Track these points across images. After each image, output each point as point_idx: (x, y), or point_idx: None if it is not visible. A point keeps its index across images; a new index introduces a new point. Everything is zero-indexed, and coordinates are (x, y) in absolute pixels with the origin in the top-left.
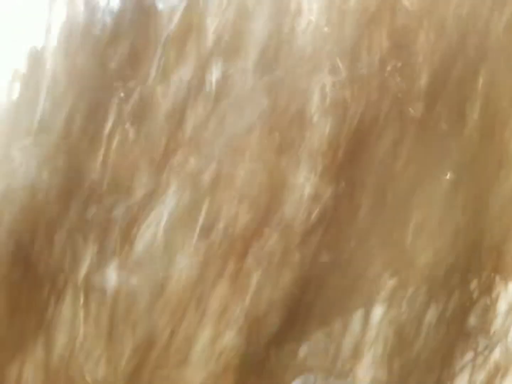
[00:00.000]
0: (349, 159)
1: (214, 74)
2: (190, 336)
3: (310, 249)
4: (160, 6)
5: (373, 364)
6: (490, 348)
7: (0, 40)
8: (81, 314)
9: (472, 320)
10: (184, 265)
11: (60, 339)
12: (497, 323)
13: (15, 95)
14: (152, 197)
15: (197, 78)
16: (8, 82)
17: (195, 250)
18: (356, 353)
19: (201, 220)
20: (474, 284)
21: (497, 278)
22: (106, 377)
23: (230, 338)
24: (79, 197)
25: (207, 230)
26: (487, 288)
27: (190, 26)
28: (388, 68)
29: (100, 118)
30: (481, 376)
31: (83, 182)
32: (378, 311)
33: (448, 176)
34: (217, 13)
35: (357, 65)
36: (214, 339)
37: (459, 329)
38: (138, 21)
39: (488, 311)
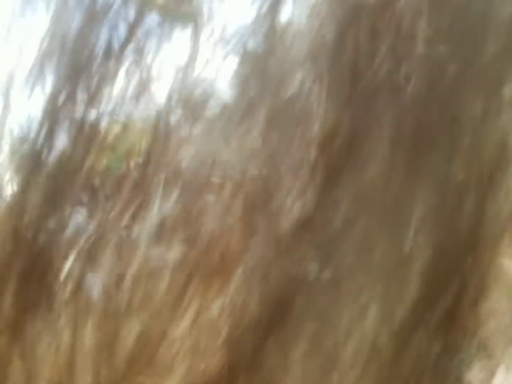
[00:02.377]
0: (344, 161)
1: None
2: (174, 346)
3: (296, 261)
4: None
5: (365, 371)
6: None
7: None
8: (66, 323)
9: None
10: (168, 274)
11: (43, 350)
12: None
13: None
14: (139, 204)
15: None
16: None
17: (180, 259)
18: (350, 363)
19: (185, 229)
20: (470, 287)
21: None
22: None
23: (215, 346)
24: (63, 205)
25: (192, 240)
26: (482, 291)
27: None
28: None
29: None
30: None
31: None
32: (367, 324)
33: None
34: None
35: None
36: (198, 347)
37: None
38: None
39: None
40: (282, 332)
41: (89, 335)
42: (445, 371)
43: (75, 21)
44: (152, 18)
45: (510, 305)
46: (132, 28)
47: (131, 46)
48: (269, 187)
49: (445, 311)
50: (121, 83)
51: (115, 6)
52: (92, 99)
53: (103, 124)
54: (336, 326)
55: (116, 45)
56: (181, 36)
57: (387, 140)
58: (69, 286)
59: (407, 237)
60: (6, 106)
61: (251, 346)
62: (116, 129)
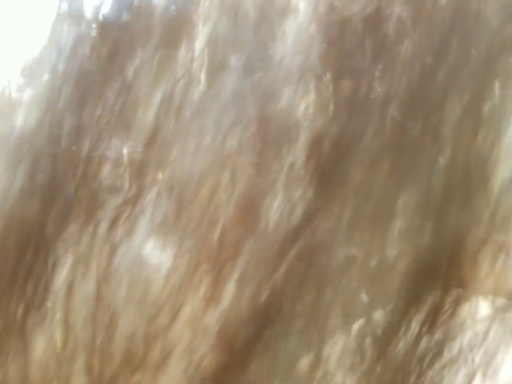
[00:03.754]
0: (328, 175)
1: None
2: (166, 345)
3: (287, 260)
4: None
5: (351, 373)
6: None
7: None
8: (60, 320)
9: (447, 328)
10: (163, 271)
11: (38, 348)
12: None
13: None
14: (133, 202)
15: (182, 85)
16: None
17: (174, 258)
18: (336, 364)
19: (177, 232)
20: (451, 294)
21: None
22: None
23: (207, 346)
24: (59, 204)
25: (183, 243)
26: (462, 298)
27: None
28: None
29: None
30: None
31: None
32: (355, 324)
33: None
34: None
35: (341, 74)
36: (192, 348)
37: (434, 337)
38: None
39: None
40: (272, 334)
41: (82, 333)
42: (426, 375)
43: None
44: None
45: (489, 311)
46: None
47: None
48: (258, 193)
49: (426, 316)
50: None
51: None
52: None
53: None
54: (323, 328)
55: None
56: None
57: (371, 149)
58: (63, 283)
59: (390, 243)
60: None
61: (241, 348)
62: None
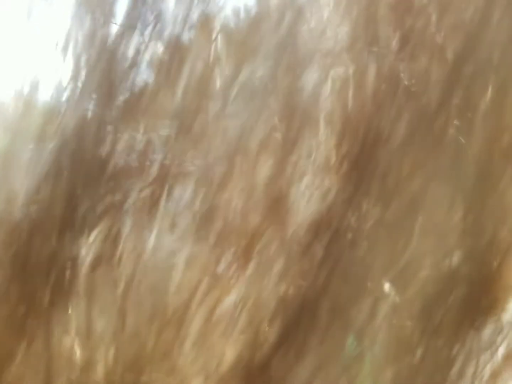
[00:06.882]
0: (355, 166)
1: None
2: (190, 344)
3: (313, 257)
4: None
5: (374, 370)
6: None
7: None
8: (83, 311)
9: (476, 325)
10: (185, 267)
11: (60, 341)
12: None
13: None
14: (157, 195)
15: (206, 76)
16: None
17: (197, 251)
18: (358, 359)
19: (202, 220)
20: (478, 289)
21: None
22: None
23: (232, 345)
24: (83, 195)
25: (208, 230)
26: (493, 295)
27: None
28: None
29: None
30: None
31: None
32: (379, 318)
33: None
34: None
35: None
36: (215, 346)
37: (460, 335)
38: None
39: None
40: (295, 329)
41: (102, 331)
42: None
43: None
44: None
45: None
46: None
47: None
48: (284, 182)
49: (455, 319)
50: None
51: None
52: None
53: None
54: (347, 325)
55: None
56: None
57: (398, 142)
58: (83, 283)
59: (415, 239)
60: None
61: (263, 345)
62: None
